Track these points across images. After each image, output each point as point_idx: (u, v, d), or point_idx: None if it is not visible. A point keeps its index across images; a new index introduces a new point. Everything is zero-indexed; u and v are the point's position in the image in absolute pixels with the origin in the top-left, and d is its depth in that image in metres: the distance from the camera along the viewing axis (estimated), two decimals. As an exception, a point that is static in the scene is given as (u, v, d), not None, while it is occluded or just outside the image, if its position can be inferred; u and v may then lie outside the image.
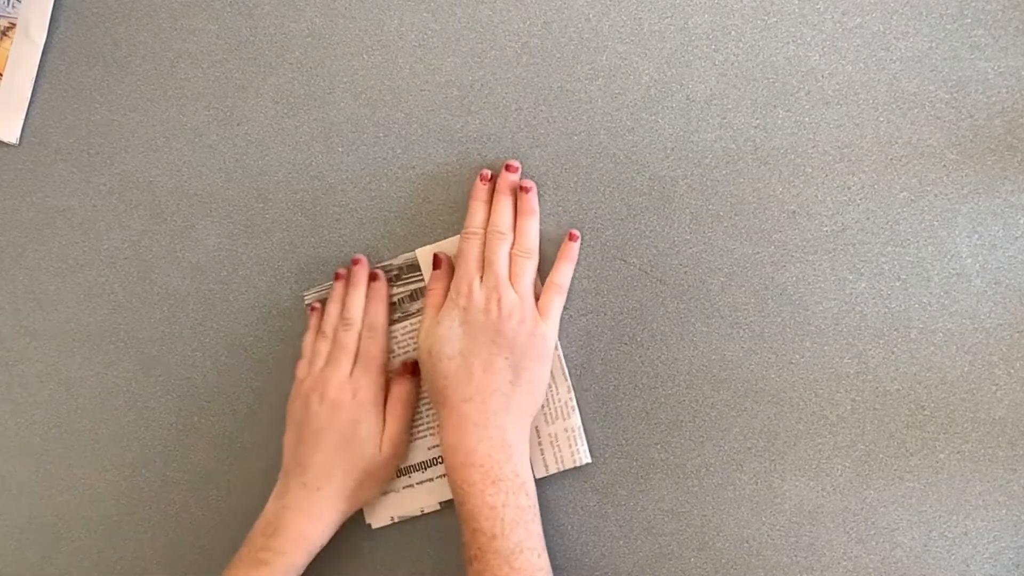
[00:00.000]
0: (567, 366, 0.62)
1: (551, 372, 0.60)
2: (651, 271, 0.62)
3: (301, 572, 0.58)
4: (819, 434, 0.60)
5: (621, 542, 0.61)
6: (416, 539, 0.64)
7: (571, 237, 0.61)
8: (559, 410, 0.61)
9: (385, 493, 0.63)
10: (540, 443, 0.61)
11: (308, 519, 0.58)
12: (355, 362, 0.61)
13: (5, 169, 0.70)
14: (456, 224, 0.64)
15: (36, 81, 0.69)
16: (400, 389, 0.62)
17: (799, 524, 0.59)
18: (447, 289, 0.60)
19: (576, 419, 0.61)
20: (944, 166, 0.59)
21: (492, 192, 0.62)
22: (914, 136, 0.59)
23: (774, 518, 0.60)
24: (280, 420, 0.65)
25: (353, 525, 0.63)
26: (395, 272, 0.64)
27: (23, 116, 0.69)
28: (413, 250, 0.64)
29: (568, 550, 0.62)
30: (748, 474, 0.60)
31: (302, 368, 0.63)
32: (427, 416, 0.63)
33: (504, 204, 0.61)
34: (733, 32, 0.61)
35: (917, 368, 0.59)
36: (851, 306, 0.60)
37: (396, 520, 0.64)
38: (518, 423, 0.57)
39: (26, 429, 0.69)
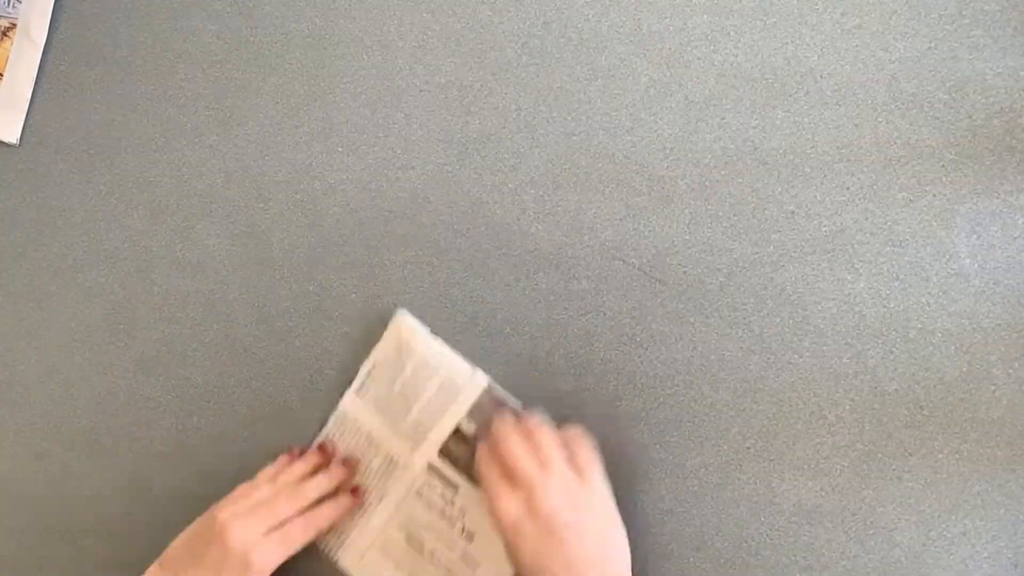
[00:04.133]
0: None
1: None
2: (651, 271, 0.62)
3: None
4: (818, 434, 0.60)
5: (621, 542, 0.61)
6: None
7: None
8: None
9: None
10: None
11: None
12: (275, 528, 0.58)
13: (5, 169, 0.70)
14: (453, 224, 0.64)
15: (36, 81, 0.69)
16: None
17: (798, 524, 0.60)
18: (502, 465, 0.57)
19: None
20: (943, 166, 0.59)
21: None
22: (913, 136, 0.59)
23: (773, 518, 0.60)
24: (278, 420, 0.65)
25: None
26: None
27: (23, 116, 0.69)
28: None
29: (568, 550, 0.62)
30: (747, 474, 0.60)
31: (240, 489, 0.60)
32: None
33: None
34: (732, 33, 0.61)
35: (916, 368, 0.59)
36: (850, 306, 0.60)
37: None
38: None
39: (26, 429, 0.69)
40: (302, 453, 0.63)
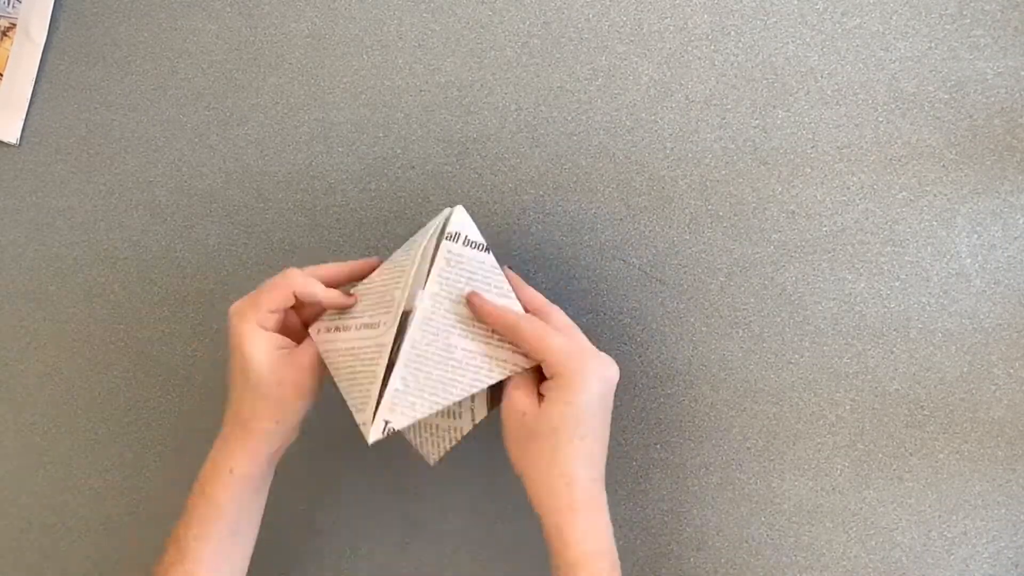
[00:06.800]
0: None
1: None
2: (651, 271, 0.62)
3: (232, 514, 0.56)
4: (819, 434, 0.60)
5: (621, 542, 0.61)
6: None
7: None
8: None
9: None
10: None
11: (219, 453, 0.56)
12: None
13: (5, 169, 0.70)
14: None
15: (36, 81, 0.69)
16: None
17: (798, 524, 0.60)
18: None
19: None
20: (943, 166, 0.59)
21: None
22: (913, 136, 0.59)
23: (774, 518, 0.60)
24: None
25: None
26: None
27: (23, 116, 0.69)
28: None
29: (568, 550, 0.62)
30: (748, 474, 0.60)
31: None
32: None
33: None
34: (732, 32, 0.61)
35: (916, 368, 0.59)
36: (850, 306, 0.60)
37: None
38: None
39: (26, 429, 0.69)
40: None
